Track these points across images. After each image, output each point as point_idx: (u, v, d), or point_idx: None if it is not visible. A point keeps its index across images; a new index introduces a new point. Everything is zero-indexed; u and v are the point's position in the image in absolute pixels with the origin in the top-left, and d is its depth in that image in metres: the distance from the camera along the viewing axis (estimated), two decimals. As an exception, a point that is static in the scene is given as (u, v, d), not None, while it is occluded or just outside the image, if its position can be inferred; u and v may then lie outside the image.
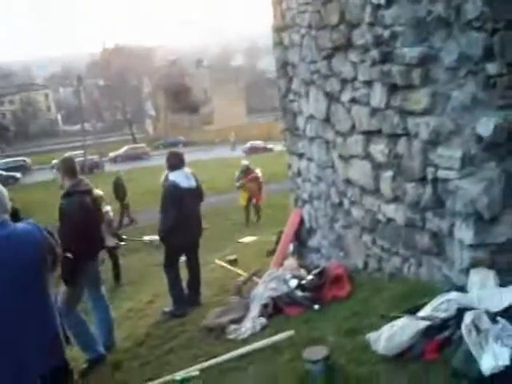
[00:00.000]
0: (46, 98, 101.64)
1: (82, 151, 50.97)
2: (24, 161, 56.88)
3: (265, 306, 5.72)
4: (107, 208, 12.95)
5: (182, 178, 7.13)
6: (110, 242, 12.91)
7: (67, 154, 7.43)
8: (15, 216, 5.38)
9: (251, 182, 18.47)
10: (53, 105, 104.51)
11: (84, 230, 5.94)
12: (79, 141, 54.97)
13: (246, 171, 18.70)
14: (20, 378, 3.69)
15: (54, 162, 37.89)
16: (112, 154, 58.90)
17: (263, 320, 5.52)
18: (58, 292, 6.11)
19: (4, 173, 47.98)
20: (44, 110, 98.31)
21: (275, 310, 5.67)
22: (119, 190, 20.99)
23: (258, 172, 18.85)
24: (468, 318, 3.37)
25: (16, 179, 47.08)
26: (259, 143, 56.27)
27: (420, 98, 4.22)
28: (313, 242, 7.08)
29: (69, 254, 5.41)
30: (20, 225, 3.88)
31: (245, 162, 19.38)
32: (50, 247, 3.97)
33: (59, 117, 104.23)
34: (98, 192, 12.01)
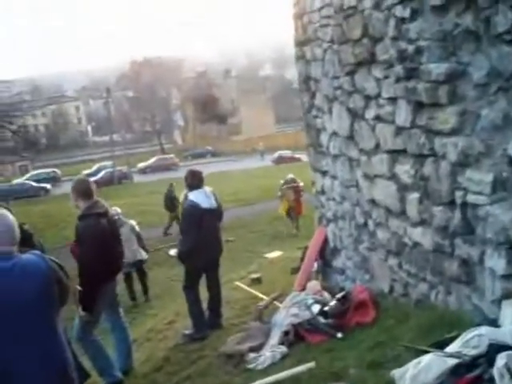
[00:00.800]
0: (76, 110, 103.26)
1: (111, 162, 51.44)
2: (54, 172, 57.64)
3: (286, 333, 5.49)
4: (132, 222, 12.86)
5: (203, 198, 6.95)
6: (142, 255, 12.85)
7: (81, 176, 7.32)
8: (29, 240, 5.27)
9: (289, 190, 18.27)
10: (83, 117, 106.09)
11: (101, 252, 5.80)
12: (108, 151, 55.44)
13: (290, 183, 18.49)
14: None
15: (84, 172, 38.35)
16: (141, 165, 59.33)
17: (284, 348, 5.29)
18: (76, 317, 5.99)
19: (35, 184, 48.71)
20: (75, 122, 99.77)
21: (296, 337, 5.44)
22: (169, 201, 20.75)
23: (301, 185, 18.55)
24: (501, 360, 3.10)
25: (47, 190, 47.74)
26: (287, 153, 56.19)
27: (447, 117, 3.97)
28: (337, 262, 6.85)
29: (78, 287, 5.27)
30: (25, 256, 3.73)
31: (290, 176, 19.06)
32: (57, 278, 3.82)
33: (89, 128, 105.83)
34: (115, 209, 12.03)
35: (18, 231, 3.73)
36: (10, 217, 3.72)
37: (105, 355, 6.19)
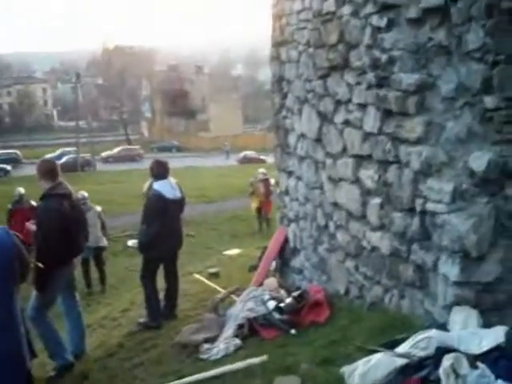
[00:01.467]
0: (44, 93, 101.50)
1: (74, 148, 50.78)
2: (16, 153, 56.64)
3: (240, 326, 5.56)
4: (98, 209, 12.75)
5: (168, 189, 6.96)
6: (104, 242, 12.76)
7: (48, 156, 7.28)
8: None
9: (261, 183, 18.14)
10: (50, 100, 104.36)
11: (61, 235, 5.78)
12: (73, 138, 54.70)
13: (263, 179, 18.24)
14: None
15: (47, 156, 37.81)
16: (105, 154, 58.69)
17: (237, 341, 5.35)
18: (32, 296, 5.96)
19: (-5, 164, 47.82)
20: (41, 104, 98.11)
21: (251, 331, 5.51)
22: None
23: (272, 181, 18.46)
24: (447, 361, 3.23)
25: (6, 172, 46.85)
26: (253, 154, 56.32)
27: (414, 127, 4.10)
28: (296, 262, 6.94)
29: (40, 264, 5.23)
30: None
31: (262, 170, 18.86)
32: (20, 254, 3.83)
33: (55, 112, 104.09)
34: (82, 193, 11.95)
35: None
36: None
37: (57, 337, 6.16)
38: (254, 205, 18.58)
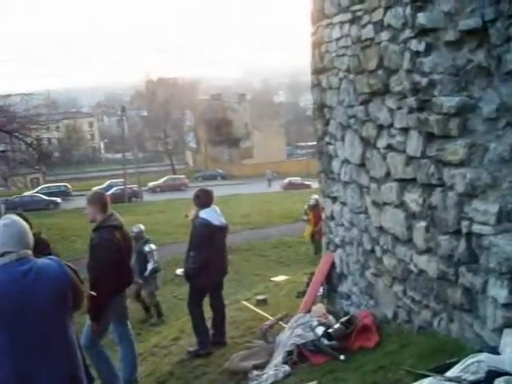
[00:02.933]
0: (90, 126, 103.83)
1: (122, 179, 51.69)
2: (65, 186, 57.90)
3: (289, 353, 5.58)
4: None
5: (214, 216, 7.07)
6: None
7: (96, 188, 7.48)
8: (46, 248, 5.41)
9: (313, 212, 17.90)
10: (97, 133, 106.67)
11: (113, 265, 5.91)
12: (120, 169, 55.74)
13: (315, 206, 17.73)
14: None
15: (94, 189, 38.58)
16: (151, 184, 59.53)
17: (287, 368, 5.38)
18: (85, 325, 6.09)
19: (46, 197, 48.96)
20: (88, 138, 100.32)
21: (300, 357, 5.52)
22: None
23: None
24: (498, 384, 3.18)
25: (56, 204, 47.92)
26: (297, 179, 56.35)
27: (457, 149, 4.09)
28: (343, 287, 6.93)
29: (93, 292, 5.34)
30: (41, 260, 3.85)
31: (315, 196, 18.26)
32: (72, 283, 3.93)
33: (102, 145, 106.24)
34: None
35: (31, 236, 3.86)
36: (22, 222, 3.85)
37: (110, 365, 6.26)
38: (307, 233, 18.57)
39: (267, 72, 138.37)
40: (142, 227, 12.71)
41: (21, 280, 3.66)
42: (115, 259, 5.96)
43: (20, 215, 5.74)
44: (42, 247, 5.22)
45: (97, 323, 5.98)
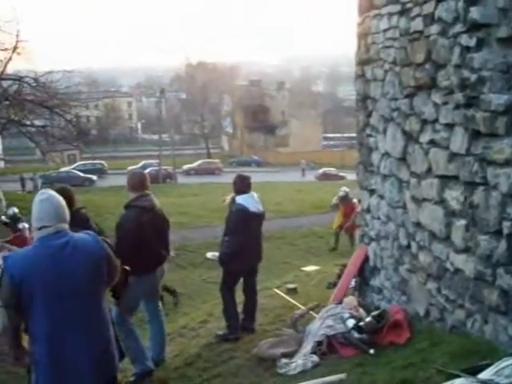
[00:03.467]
0: (128, 106, 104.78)
1: (157, 160, 52.09)
2: (101, 164, 58.59)
3: (319, 343, 5.56)
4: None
5: (251, 202, 7.08)
6: None
7: (131, 168, 7.54)
8: (85, 223, 5.48)
9: (342, 205, 17.87)
10: (135, 113, 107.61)
11: (137, 245, 5.95)
12: (156, 150, 56.14)
13: (345, 198, 17.84)
14: None
15: (130, 168, 38.90)
16: (186, 167, 59.87)
17: (315, 358, 5.37)
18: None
19: (82, 174, 49.65)
20: (126, 118, 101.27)
21: (329, 348, 5.51)
22: None
23: (356, 202, 17.99)
24: (533, 390, 3.13)
25: (92, 181, 48.56)
26: (332, 170, 56.12)
27: (503, 148, 4.01)
28: (375, 281, 6.88)
29: (127, 267, 5.35)
30: (78, 235, 3.92)
31: (345, 189, 18.26)
32: (108, 258, 4.00)
33: (139, 125, 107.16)
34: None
35: (67, 210, 3.92)
36: (58, 197, 3.91)
37: (138, 343, 6.34)
38: (337, 222, 18.34)
39: (307, 60, 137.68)
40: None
41: (58, 253, 3.73)
42: (136, 240, 5.99)
43: (63, 189, 5.86)
44: (81, 222, 5.30)
45: (117, 301, 6.02)
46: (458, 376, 3.78)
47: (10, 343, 3.83)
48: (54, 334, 3.71)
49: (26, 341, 3.88)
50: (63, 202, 3.92)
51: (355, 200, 17.54)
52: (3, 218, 17.42)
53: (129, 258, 5.67)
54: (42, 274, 3.67)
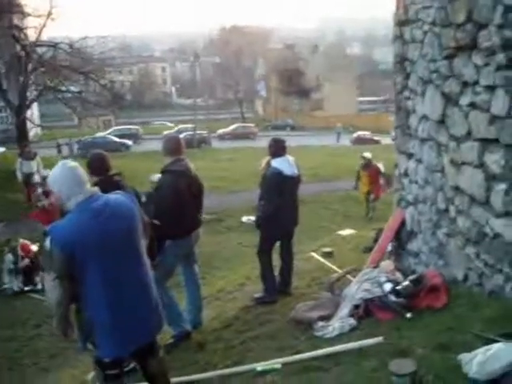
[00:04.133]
0: (162, 71, 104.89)
1: (192, 125, 52.17)
2: (137, 129, 58.90)
3: (356, 306, 5.58)
4: None
5: (286, 166, 7.08)
6: None
7: (166, 132, 7.57)
8: (119, 188, 5.56)
9: (364, 171, 17.57)
10: (168, 78, 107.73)
11: (174, 210, 6.01)
12: (190, 115, 56.25)
13: (368, 164, 17.55)
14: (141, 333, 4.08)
15: (165, 133, 39.06)
16: (220, 131, 59.88)
17: (352, 321, 5.39)
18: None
19: (117, 139, 50.02)
20: (159, 83, 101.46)
21: (366, 312, 5.53)
22: None
23: (381, 166, 17.59)
24: None
25: (127, 147, 48.88)
26: (367, 134, 55.54)
27: (546, 110, 3.92)
28: (412, 245, 6.85)
29: (156, 221, 5.39)
30: (112, 196, 4.02)
31: (367, 155, 17.96)
32: (141, 215, 4.12)
33: (173, 90, 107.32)
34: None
35: (86, 175, 4.02)
36: (73, 166, 3.99)
37: (175, 306, 6.43)
38: (363, 189, 18.14)
39: (343, 23, 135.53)
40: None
41: (100, 215, 3.83)
42: (175, 204, 6.04)
43: (100, 155, 5.96)
44: (115, 188, 5.36)
45: (152, 264, 6.10)
46: (495, 341, 3.78)
47: (62, 317, 3.94)
48: (112, 293, 3.85)
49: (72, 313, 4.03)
50: (80, 169, 4.01)
51: (380, 164, 17.41)
52: (36, 177, 17.73)
53: (166, 222, 5.76)
54: (91, 238, 3.76)
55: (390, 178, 17.00)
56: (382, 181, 17.41)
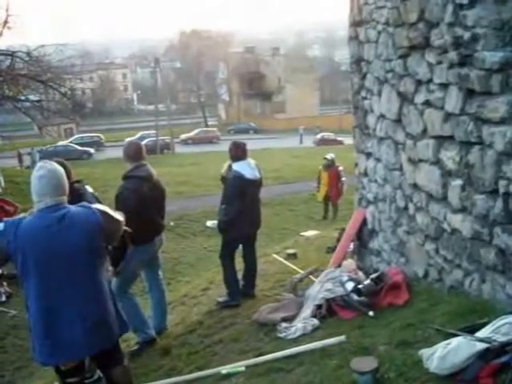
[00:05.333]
0: (123, 78, 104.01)
1: (154, 131, 51.87)
2: (98, 137, 58.35)
3: (318, 306, 5.60)
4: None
5: (247, 169, 7.07)
6: None
7: (129, 139, 7.50)
8: (81, 195, 5.47)
9: (325, 172, 17.40)
10: (130, 84, 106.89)
11: (137, 215, 5.93)
12: (153, 121, 55.89)
13: (330, 165, 17.34)
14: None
15: (127, 140, 38.76)
16: (183, 136, 59.66)
17: (315, 321, 5.41)
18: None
19: (79, 148, 49.47)
20: (121, 89, 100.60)
21: (329, 311, 5.55)
22: None
23: (341, 169, 17.46)
24: (530, 346, 3.16)
25: (90, 154, 48.41)
26: (330, 135, 55.94)
27: (498, 106, 3.97)
28: (374, 244, 6.91)
29: (128, 229, 5.32)
30: (75, 208, 3.95)
31: (330, 156, 17.70)
32: (105, 224, 4.02)
33: (135, 96, 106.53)
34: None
35: (66, 183, 3.96)
36: (57, 170, 3.96)
37: (140, 313, 6.39)
38: (322, 192, 17.88)
39: (302, 26, 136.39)
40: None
41: (55, 225, 3.77)
42: (139, 209, 5.98)
43: (60, 163, 5.85)
44: (77, 195, 5.28)
45: (115, 271, 6.03)
46: (456, 335, 3.81)
47: None
48: (48, 305, 3.81)
49: None
50: (62, 174, 3.96)
51: (341, 167, 17.38)
52: None
53: (130, 227, 5.68)
54: (38, 245, 3.74)
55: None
56: (339, 185, 17.35)
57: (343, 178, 17.30)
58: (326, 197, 17.74)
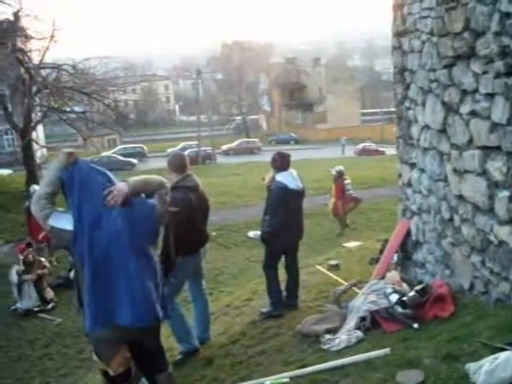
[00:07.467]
0: (166, 89, 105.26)
1: (196, 142, 52.31)
2: (141, 147, 59.12)
3: (362, 318, 5.56)
4: None
5: (290, 180, 7.08)
6: None
7: (177, 150, 7.60)
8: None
9: (335, 184, 17.47)
10: (172, 96, 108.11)
11: (187, 225, 6.00)
12: (194, 131, 56.37)
13: (338, 177, 17.45)
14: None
15: (169, 150, 39.18)
16: (225, 147, 59.99)
17: (359, 333, 5.37)
18: None
19: (122, 158, 50.17)
20: (163, 101, 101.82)
21: (373, 323, 5.51)
22: None
23: (347, 182, 17.54)
24: None
25: (133, 165, 49.02)
26: (372, 145, 55.60)
27: (546, 116, 3.91)
28: (418, 255, 6.83)
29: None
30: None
31: (339, 168, 17.81)
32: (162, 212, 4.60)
33: (177, 107, 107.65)
34: None
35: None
36: None
37: (184, 323, 6.43)
38: (329, 205, 18.02)
39: (342, 36, 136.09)
40: None
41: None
42: (189, 219, 6.04)
43: None
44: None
45: (169, 281, 6.11)
46: (503, 349, 3.75)
47: None
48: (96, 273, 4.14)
49: None
50: None
51: (348, 180, 17.22)
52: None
53: (177, 237, 5.78)
54: None
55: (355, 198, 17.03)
56: (343, 200, 17.33)
57: (350, 191, 17.22)
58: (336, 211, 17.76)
